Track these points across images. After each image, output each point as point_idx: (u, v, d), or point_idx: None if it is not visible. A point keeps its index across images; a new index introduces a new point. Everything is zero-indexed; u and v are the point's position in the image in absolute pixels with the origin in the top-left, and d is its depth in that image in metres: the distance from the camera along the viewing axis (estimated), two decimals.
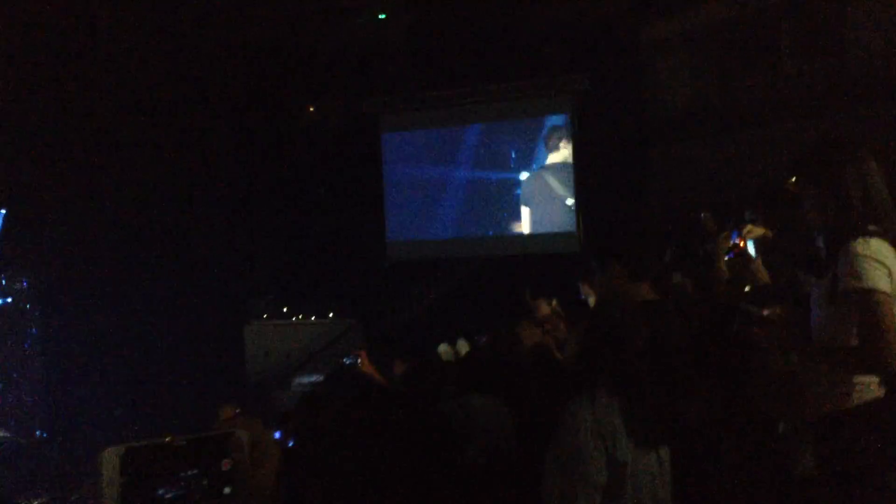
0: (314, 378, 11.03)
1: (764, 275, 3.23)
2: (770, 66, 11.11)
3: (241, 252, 13.25)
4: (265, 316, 12.99)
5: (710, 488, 2.74)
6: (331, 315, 12.99)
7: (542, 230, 13.03)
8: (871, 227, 2.22)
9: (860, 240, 2.19)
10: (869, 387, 2.18)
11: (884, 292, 2.15)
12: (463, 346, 5.06)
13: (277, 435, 4.57)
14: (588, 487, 2.34)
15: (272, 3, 11.49)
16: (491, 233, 13.34)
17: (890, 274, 2.18)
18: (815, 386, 2.29)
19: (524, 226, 13.16)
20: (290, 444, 4.95)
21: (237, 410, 5.11)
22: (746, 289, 3.09)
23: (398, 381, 4.28)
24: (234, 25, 11.78)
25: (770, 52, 11.08)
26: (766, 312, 2.47)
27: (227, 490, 1.43)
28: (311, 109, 14.06)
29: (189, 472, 1.37)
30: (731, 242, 3.58)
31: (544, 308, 4.17)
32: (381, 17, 12.14)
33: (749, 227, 3.27)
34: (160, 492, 1.39)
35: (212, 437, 1.44)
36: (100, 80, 11.47)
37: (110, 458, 1.49)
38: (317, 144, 13.65)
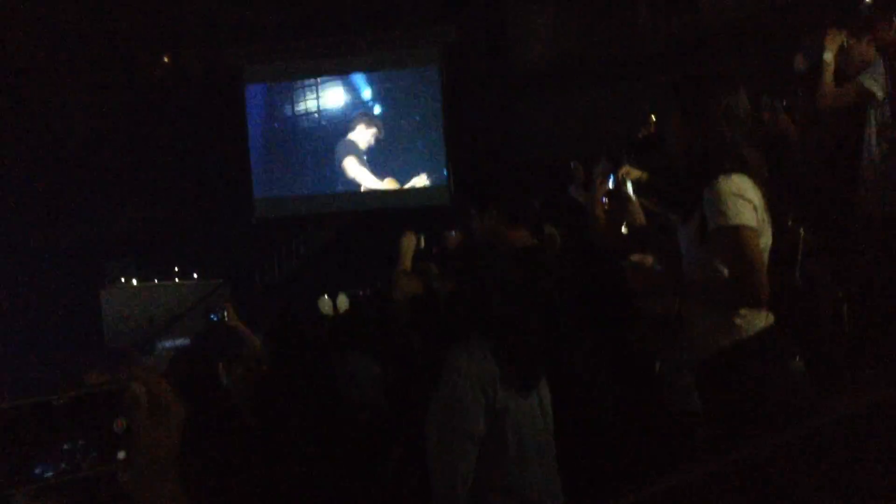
0: (179, 341, 10.61)
1: (641, 217, 3.27)
2: (629, 20, 11.43)
3: (97, 212, 12.51)
4: (123, 279, 12.35)
5: (592, 431, 2.77)
6: (195, 276, 12.51)
7: (410, 182, 13.00)
8: (734, 164, 2.23)
9: (723, 177, 2.20)
10: (746, 321, 2.21)
11: (751, 227, 2.17)
12: (343, 301, 4.96)
13: None
14: (465, 437, 2.31)
15: None
16: (360, 188, 13.18)
17: (755, 209, 2.20)
18: (695, 326, 2.31)
19: (394, 180, 13.07)
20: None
21: (105, 377, 4.83)
22: (623, 230, 3.12)
23: (264, 339, 4.15)
24: None
25: (629, 7, 11.39)
26: (636, 258, 2.47)
27: (120, 455, 1.17)
28: (167, 60, 13.33)
29: (74, 443, 1.10)
30: (608, 188, 3.61)
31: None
32: None
33: (626, 168, 3.29)
34: (37, 471, 1.09)
35: (100, 393, 1.18)
36: None
37: None
38: (176, 98, 12.97)
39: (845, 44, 3.73)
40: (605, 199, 3.48)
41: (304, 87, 13.31)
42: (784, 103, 4.63)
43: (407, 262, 3.55)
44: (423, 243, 3.64)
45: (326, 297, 4.91)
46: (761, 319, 2.22)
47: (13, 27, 11.15)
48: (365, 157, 13.11)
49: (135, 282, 12.32)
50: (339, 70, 13.16)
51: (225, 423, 3.92)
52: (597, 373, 2.92)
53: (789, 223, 3.24)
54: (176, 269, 12.53)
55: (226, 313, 4.62)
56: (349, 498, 3.43)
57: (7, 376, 9.68)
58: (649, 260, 2.40)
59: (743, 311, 2.21)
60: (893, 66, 3.53)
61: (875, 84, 3.61)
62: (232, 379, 4.47)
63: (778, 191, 2.54)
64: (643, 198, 3.24)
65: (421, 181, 12.95)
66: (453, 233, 3.87)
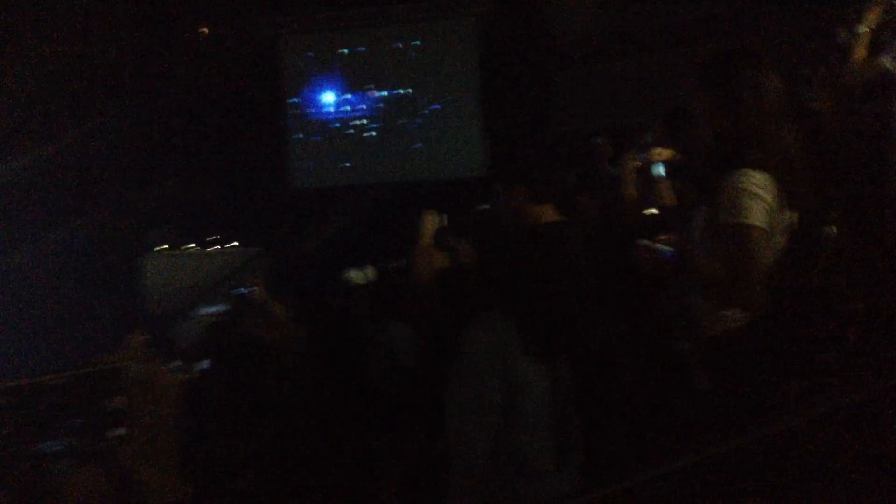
0: (217, 308, 10.80)
1: (671, 198, 3.25)
2: None
3: (137, 181, 12.70)
4: (164, 246, 12.56)
5: (612, 406, 2.80)
6: (234, 244, 12.68)
7: (447, 155, 12.98)
8: (756, 156, 2.18)
9: (740, 171, 2.16)
10: (734, 317, 2.20)
11: (759, 228, 2.12)
12: (370, 272, 5.02)
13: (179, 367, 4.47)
14: (482, 407, 2.36)
15: None
16: (398, 158, 13.21)
17: (768, 208, 2.15)
18: (698, 311, 2.32)
19: (430, 153, 13.08)
20: (198, 374, 4.87)
21: (144, 337, 4.97)
22: (650, 211, 3.12)
23: (298, 307, 4.23)
24: None
25: None
26: (661, 240, 2.47)
27: (119, 432, 1.23)
28: (206, 31, 13.42)
29: (73, 422, 1.15)
30: (638, 163, 3.60)
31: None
32: None
33: (658, 149, 3.27)
34: (45, 444, 1.14)
35: (96, 372, 1.23)
36: None
37: None
38: (214, 68, 13.07)
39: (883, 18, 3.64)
40: (635, 176, 3.48)
41: (339, 57, 13.32)
42: (823, 75, 4.53)
43: (426, 239, 3.58)
44: (445, 222, 3.66)
45: (355, 269, 4.98)
46: (744, 320, 2.20)
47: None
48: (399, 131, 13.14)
49: (175, 249, 12.53)
50: (375, 41, 13.14)
51: (263, 382, 4.01)
52: (617, 348, 2.94)
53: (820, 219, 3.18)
54: (216, 237, 12.69)
55: (254, 288, 4.71)
56: (374, 466, 3.51)
57: (48, 346, 9.98)
58: (655, 245, 2.40)
59: (730, 311, 2.20)
60: None
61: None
62: (266, 341, 4.55)
63: (813, 177, 2.48)
64: (676, 179, 3.23)
65: (457, 154, 12.94)
66: (482, 207, 3.90)
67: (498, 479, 2.36)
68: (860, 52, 3.65)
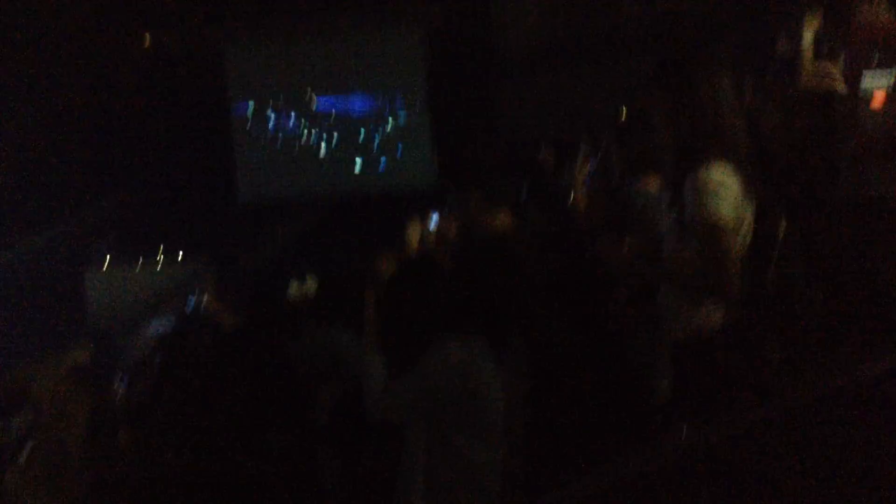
0: (163, 324, 10.58)
1: (613, 210, 3.28)
2: (614, 3, 11.41)
3: (80, 194, 12.40)
4: (107, 260, 12.26)
5: (572, 415, 2.80)
6: (180, 257, 12.44)
7: (395, 166, 12.95)
8: (717, 150, 2.21)
9: (703, 167, 2.18)
10: (710, 312, 2.21)
11: (725, 223, 2.15)
12: (312, 284, 4.98)
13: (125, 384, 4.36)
14: (439, 419, 2.35)
15: None
16: (347, 170, 13.14)
17: (734, 203, 2.18)
18: (669, 310, 2.32)
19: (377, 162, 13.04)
20: (143, 392, 4.75)
21: (89, 352, 4.84)
22: (603, 219, 3.14)
23: (244, 320, 4.17)
24: None
25: None
26: (609, 237, 2.48)
27: (26, 448, 1.16)
28: (147, 39, 13.18)
29: None
30: (587, 172, 3.63)
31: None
32: None
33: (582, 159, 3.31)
34: None
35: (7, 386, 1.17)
36: None
37: None
38: (157, 77, 12.84)
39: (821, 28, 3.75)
40: (587, 182, 3.50)
41: (285, 65, 13.21)
42: (767, 83, 4.64)
43: (412, 248, 3.55)
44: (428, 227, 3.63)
45: (296, 282, 4.96)
46: (724, 313, 2.22)
47: None
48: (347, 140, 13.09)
49: (119, 264, 12.24)
50: (320, 49, 13.07)
51: (210, 399, 3.94)
52: (572, 352, 2.95)
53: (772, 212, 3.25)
54: (162, 248, 12.44)
55: (206, 298, 4.63)
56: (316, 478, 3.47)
57: None
58: (623, 241, 2.41)
59: (710, 303, 2.21)
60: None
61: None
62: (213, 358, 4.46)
63: (761, 175, 2.53)
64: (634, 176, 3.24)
65: (406, 164, 12.92)
66: (435, 218, 3.87)
67: (445, 489, 2.33)
68: (807, 62, 3.75)
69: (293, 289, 5.08)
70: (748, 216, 2.23)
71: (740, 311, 2.26)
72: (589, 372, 2.94)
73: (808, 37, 3.75)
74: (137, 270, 12.08)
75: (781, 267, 3.05)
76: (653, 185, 3.14)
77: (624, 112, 4.76)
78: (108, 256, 12.17)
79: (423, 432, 2.38)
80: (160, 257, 12.31)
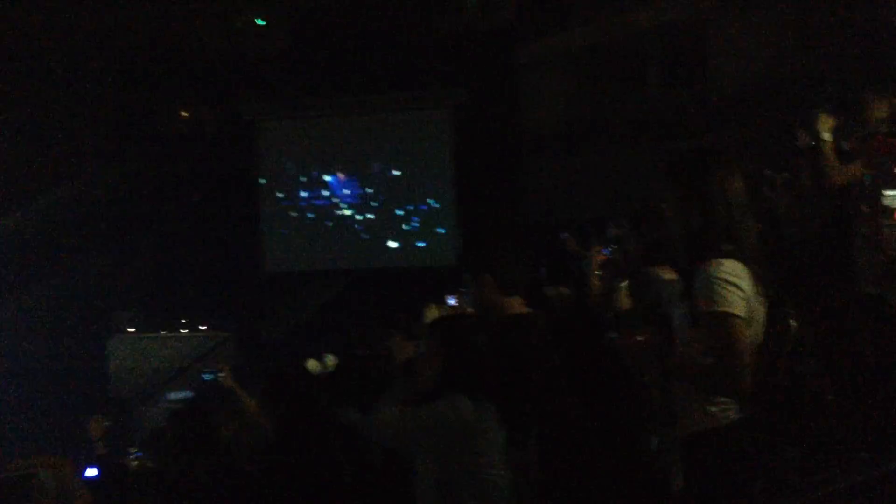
0: (183, 394, 10.60)
1: (626, 302, 3.29)
2: (638, 87, 11.63)
3: (106, 261, 12.61)
4: (131, 329, 12.38)
5: (578, 499, 2.78)
6: (203, 327, 12.53)
7: (419, 243, 13.09)
8: (728, 247, 2.23)
9: (714, 261, 2.20)
10: (721, 409, 2.20)
11: (737, 315, 2.16)
12: (330, 360, 5.00)
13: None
14: (448, 484, 2.42)
15: (148, 5, 11.11)
16: (369, 243, 13.28)
17: (745, 297, 2.19)
18: (681, 403, 2.31)
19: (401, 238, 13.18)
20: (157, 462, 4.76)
21: (107, 423, 4.87)
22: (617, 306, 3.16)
23: (263, 395, 4.19)
24: (106, 23, 11.30)
25: (637, 75, 11.60)
26: (624, 334, 2.50)
27: None
28: (185, 114, 13.59)
29: None
30: (603, 257, 3.66)
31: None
32: (260, 22, 11.92)
33: (596, 248, 3.37)
34: None
35: (7, 479, 1.19)
36: None
37: None
38: (191, 150, 13.19)
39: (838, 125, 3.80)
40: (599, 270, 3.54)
41: (316, 143, 13.51)
42: (786, 178, 4.68)
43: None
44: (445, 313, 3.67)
45: (313, 359, 4.97)
46: (736, 411, 2.21)
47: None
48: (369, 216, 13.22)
49: (142, 332, 12.35)
50: (350, 128, 13.37)
51: (222, 476, 3.94)
52: (589, 440, 2.93)
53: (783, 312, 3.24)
54: (183, 321, 12.55)
55: (221, 374, 4.66)
56: None
57: (12, 426, 9.70)
58: (639, 337, 2.41)
59: (721, 400, 2.20)
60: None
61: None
62: (228, 434, 4.49)
63: (774, 272, 2.55)
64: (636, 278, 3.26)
65: (429, 242, 13.03)
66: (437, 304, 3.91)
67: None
68: (830, 157, 3.77)
69: (312, 365, 5.10)
70: (760, 310, 2.24)
71: (753, 405, 2.25)
72: (599, 458, 2.92)
73: (826, 134, 3.79)
74: (159, 340, 12.19)
75: (794, 363, 3.04)
76: (667, 275, 3.17)
77: (640, 202, 4.82)
78: (131, 325, 12.32)
79: (432, 462, 2.48)
80: (182, 328, 12.43)
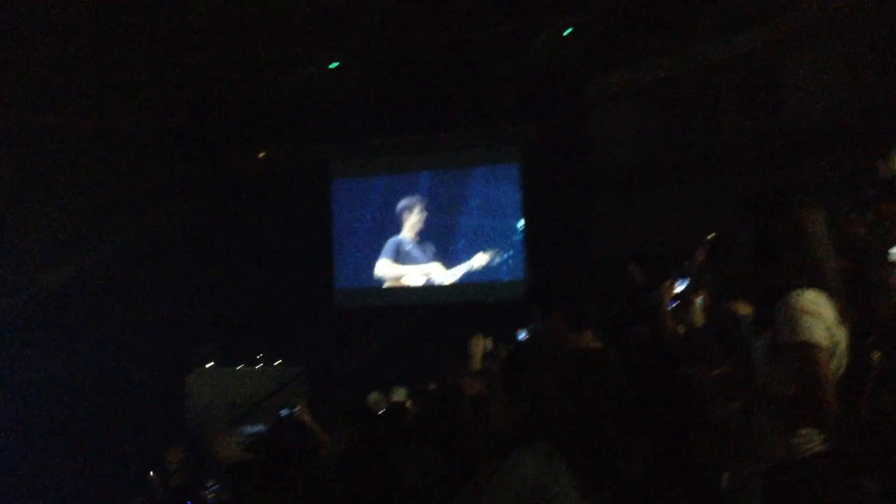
0: (258, 428, 10.77)
1: (699, 317, 3.26)
2: (710, 121, 11.48)
3: (186, 298, 12.99)
4: (209, 364, 12.68)
5: None
6: (278, 363, 12.75)
7: (489, 278, 13.10)
8: (809, 279, 2.21)
9: (795, 292, 2.18)
10: (811, 439, 2.17)
11: (821, 346, 2.14)
12: (400, 393, 5.02)
13: None
14: None
15: (224, 51, 11.56)
16: (439, 281, 13.35)
17: (828, 328, 2.17)
18: (763, 436, 2.28)
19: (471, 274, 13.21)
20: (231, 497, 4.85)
21: (183, 453, 5.00)
22: (680, 330, 3.12)
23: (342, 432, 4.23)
24: (187, 70, 11.80)
25: (710, 108, 11.46)
26: (698, 369, 2.47)
27: None
28: (262, 156, 14.00)
29: None
30: (677, 291, 3.62)
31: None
32: (333, 65, 12.26)
33: (669, 281, 3.32)
34: None
35: None
36: (44, 119, 11.35)
37: None
38: (267, 190, 13.57)
39: None
40: (673, 303, 3.50)
41: (386, 181, 13.71)
42: (866, 213, 4.57)
43: (476, 363, 3.61)
44: (490, 345, 3.70)
45: (377, 392, 5.00)
46: (821, 442, 2.16)
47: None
48: (411, 250, 13.21)
49: (220, 367, 12.63)
50: (423, 166, 13.56)
51: None
52: (662, 480, 2.88)
53: (867, 344, 3.15)
54: (259, 356, 12.79)
55: (297, 409, 4.74)
56: None
57: (100, 455, 10.00)
58: (712, 372, 2.38)
59: (804, 431, 2.16)
60: None
61: None
62: (301, 471, 4.53)
63: (857, 307, 2.50)
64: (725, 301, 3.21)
65: (499, 277, 13.04)
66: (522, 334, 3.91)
67: None
68: None
69: (374, 398, 5.12)
70: (842, 341, 2.21)
71: (836, 438, 2.20)
72: (675, 500, 2.87)
73: None
74: (236, 375, 12.45)
75: (877, 394, 2.94)
76: (743, 309, 3.12)
77: (716, 237, 4.74)
78: (210, 360, 12.62)
79: None
80: (259, 364, 12.67)
